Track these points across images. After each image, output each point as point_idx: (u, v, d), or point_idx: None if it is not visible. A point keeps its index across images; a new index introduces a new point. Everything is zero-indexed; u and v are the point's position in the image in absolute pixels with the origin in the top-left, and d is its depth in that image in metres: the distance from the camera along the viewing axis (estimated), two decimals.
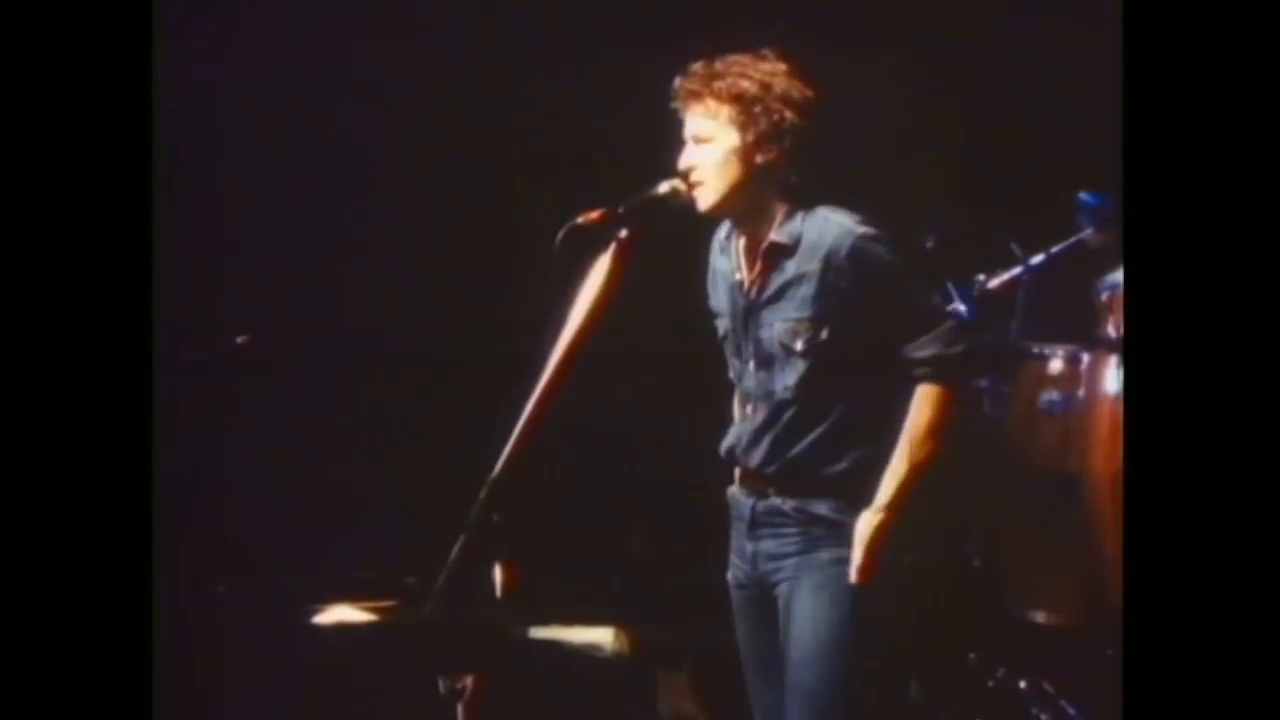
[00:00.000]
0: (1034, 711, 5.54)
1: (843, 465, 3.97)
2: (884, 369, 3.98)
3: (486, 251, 6.30)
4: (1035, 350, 5.63)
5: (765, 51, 4.00)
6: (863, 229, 3.95)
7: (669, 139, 4.05)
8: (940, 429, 3.93)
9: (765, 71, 3.96)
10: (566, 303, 3.98)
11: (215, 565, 5.28)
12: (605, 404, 5.54)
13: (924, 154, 6.12)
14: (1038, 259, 5.77)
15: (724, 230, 4.13)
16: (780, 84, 3.95)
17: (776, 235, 3.99)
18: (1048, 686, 5.57)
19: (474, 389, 6.08)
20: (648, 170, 4.01)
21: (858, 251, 3.93)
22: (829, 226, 3.96)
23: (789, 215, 3.99)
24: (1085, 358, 5.46)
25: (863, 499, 3.96)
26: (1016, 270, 5.77)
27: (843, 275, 3.93)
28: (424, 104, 6.34)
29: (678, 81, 4.00)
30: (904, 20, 6.20)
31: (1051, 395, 5.54)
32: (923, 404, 3.93)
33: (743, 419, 4.11)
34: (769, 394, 4.02)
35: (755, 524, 4.06)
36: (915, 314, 3.96)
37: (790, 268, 3.98)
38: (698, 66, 3.99)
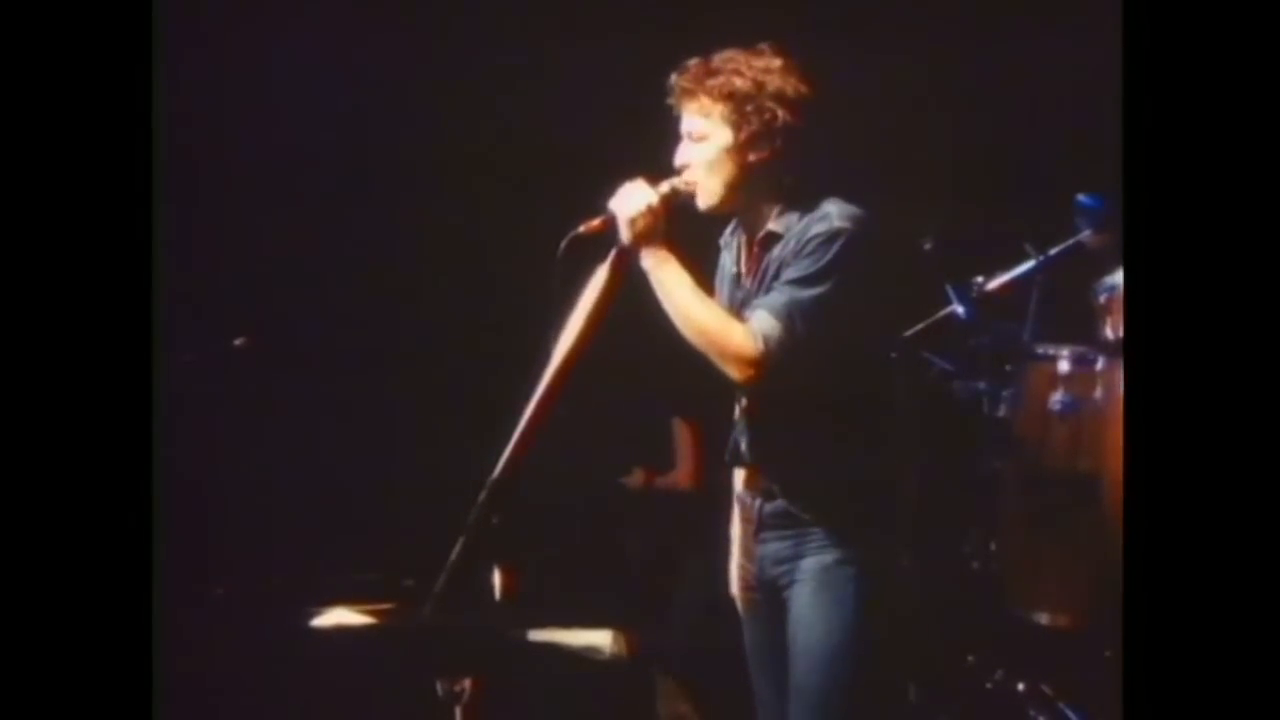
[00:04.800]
0: (1032, 714, 5.53)
1: (842, 463, 3.94)
2: (875, 360, 3.98)
3: (486, 254, 6.30)
4: (1043, 351, 5.61)
5: (762, 46, 3.98)
6: (852, 220, 3.89)
7: (669, 137, 4.04)
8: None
9: (759, 69, 3.94)
10: (567, 308, 3.98)
11: (214, 567, 5.28)
12: (604, 408, 5.54)
13: (922, 154, 6.12)
14: (1035, 260, 5.76)
15: (730, 227, 4.12)
16: (774, 82, 3.93)
17: (773, 225, 3.96)
18: (1046, 688, 5.56)
19: (474, 392, 6.08)
20: (648, 169, 4.01)
21: (834, 236, 3.86)
22: (820, 214, 3.90)
23: (787, 209, 3.95)
24: (1099, 359, 5.44)
25: (864, 497, 3.95)
26: (1016, 271, 5.76)
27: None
28: (423, 105, 6.34)
29: (673, 78, 3.99)
30: (903, 19, 6.20)
31: (1062, 397, 5.51)
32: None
33: (741, 415, 4.09)
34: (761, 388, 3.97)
35: (762, 526, 4.03)
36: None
37: (780, 254, 3.93)
38: (693, 63, 3.98)
